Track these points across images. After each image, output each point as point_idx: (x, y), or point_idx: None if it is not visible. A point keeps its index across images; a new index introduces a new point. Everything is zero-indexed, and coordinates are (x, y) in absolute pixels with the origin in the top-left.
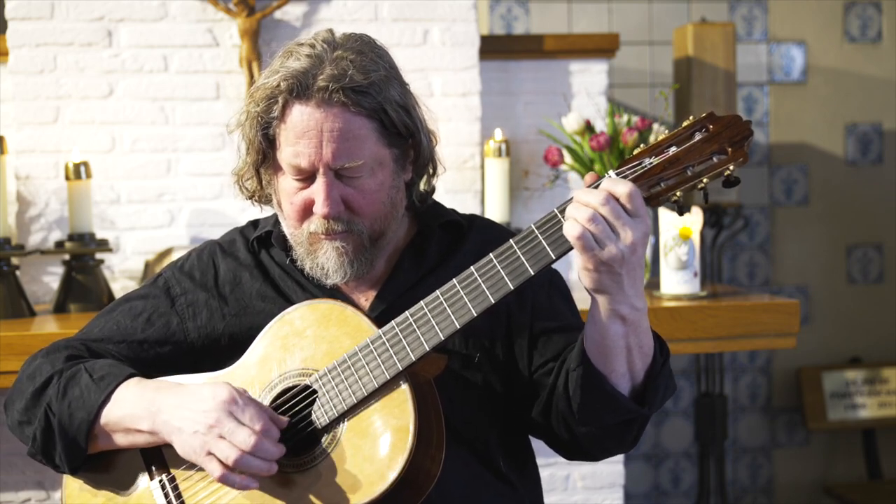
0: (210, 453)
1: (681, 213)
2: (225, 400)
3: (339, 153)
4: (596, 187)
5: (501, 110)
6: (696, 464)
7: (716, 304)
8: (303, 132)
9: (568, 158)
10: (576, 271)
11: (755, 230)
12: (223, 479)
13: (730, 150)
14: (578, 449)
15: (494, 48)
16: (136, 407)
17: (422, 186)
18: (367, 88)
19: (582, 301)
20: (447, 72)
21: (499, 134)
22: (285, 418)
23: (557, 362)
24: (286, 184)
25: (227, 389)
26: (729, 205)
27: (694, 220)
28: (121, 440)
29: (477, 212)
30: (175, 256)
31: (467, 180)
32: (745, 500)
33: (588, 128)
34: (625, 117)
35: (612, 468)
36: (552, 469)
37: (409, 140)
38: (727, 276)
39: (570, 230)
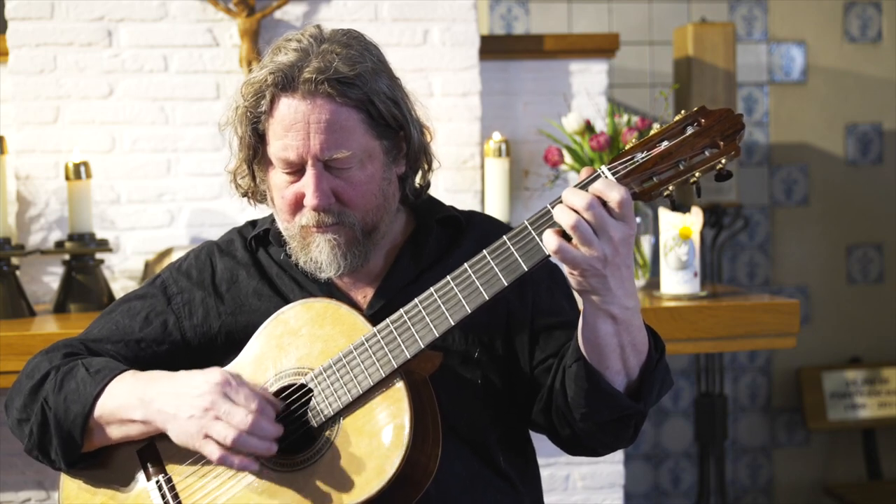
0: (207, 436)
1: (674, 208)
2: (218, 382)
3: (326, 144)
4: (588, 184)
5: (501, 110)
6: (696, 464)
7: (716, 304)
8: (290, 125)
9: (568, 158)
10: None
11: (755, 230)
12: (222, 461)
13: (721, 143)
14: (579, 444)
15: (494, 48)
16: (130, 397)
17: (416, 180)
18: (353, 79)
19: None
20: (447, 72)
21: (498, 134)
22: (279, 401)
23: (557, 358)
24: (277, 178)
25: (218, 373)
26: (729, 205)
27: (694, 220)
28: (115, 433)
29: None
30: (175, 256)
31: (467, 180)
32: (745, 500)
33: (588, 128)
34: (625, 117)
35: (612, 468)
36: (552, 469)
37: (399, 132)
38: (727, 276)
39: (549, 239)
